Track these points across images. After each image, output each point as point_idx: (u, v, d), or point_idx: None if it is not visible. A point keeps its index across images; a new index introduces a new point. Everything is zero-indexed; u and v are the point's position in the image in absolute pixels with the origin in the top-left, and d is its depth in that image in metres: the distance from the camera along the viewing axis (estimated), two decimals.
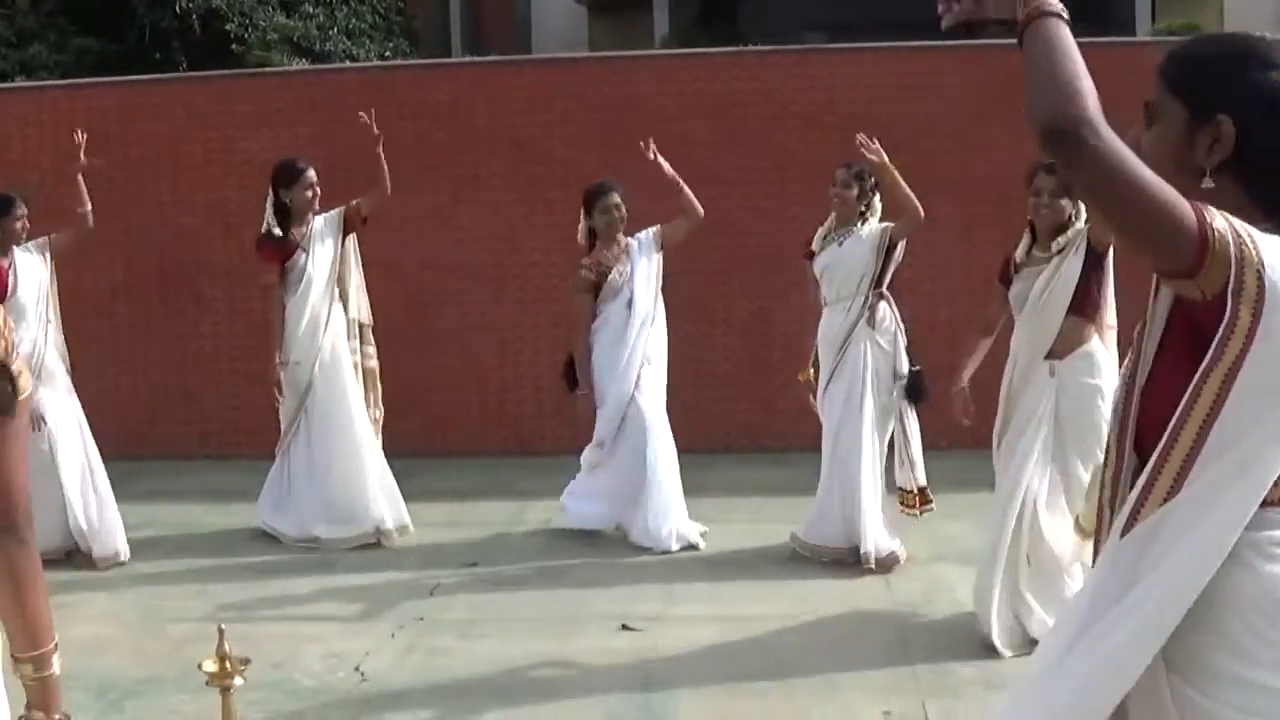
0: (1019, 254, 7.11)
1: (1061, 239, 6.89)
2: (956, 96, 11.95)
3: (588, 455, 9.25)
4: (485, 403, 12.27)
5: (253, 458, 10.80)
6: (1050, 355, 6.91)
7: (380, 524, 9.16)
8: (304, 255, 9.17)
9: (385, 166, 9.32)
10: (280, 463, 9.35)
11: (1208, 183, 2.54)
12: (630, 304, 9.07)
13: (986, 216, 10.73)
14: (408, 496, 9.35)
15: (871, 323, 8.43)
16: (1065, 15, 2.48)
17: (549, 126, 12.20)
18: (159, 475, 11.30)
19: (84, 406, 8.98)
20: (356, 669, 6.72)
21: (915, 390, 8.45)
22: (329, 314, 9.23)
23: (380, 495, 9.24)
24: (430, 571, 8.53)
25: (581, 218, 9.25)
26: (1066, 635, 2.58)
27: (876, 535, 8.33)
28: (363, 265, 9.69)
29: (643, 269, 9.13)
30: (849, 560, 8.33)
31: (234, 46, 20.30)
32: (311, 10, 22.42)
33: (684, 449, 9.35)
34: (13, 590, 2.81)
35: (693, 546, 8.93)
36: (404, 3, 26.04)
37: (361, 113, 9.34)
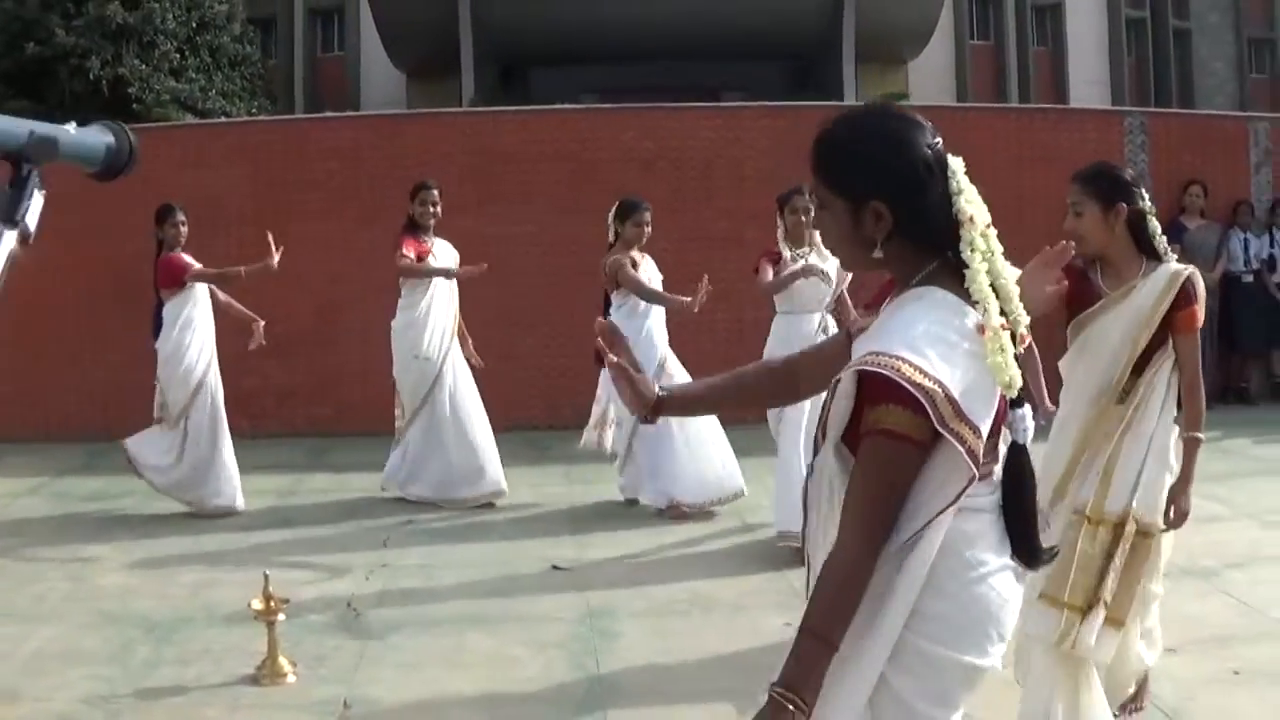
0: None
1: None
2: (761, 145, 12.15)
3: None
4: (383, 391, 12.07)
5: None
6: None
7: (498, 486, 8.93)
8: (433, 259, 8.90)
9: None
10: (404, 443, 9.04)
11: (878, 253, 2.49)
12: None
13: None
14: (340, 468, 9.20)
15: (825, 330, 7.77)
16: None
17: (431, 166, 12.08)
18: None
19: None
20: (349, 606, 6.59)
21: None
22: (450, 321, 9.01)
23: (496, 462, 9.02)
24: (377, 526, 8.39)
25: (611, 221, 8.86)
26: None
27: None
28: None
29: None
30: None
31: (134, 106, 20.21)
32: (194, 76, 22.62)
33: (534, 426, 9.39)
34: None
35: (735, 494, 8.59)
36: (264, 70, 26.08)
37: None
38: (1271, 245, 12.85)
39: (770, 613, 6.38)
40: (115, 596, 6.80)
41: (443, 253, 9.01)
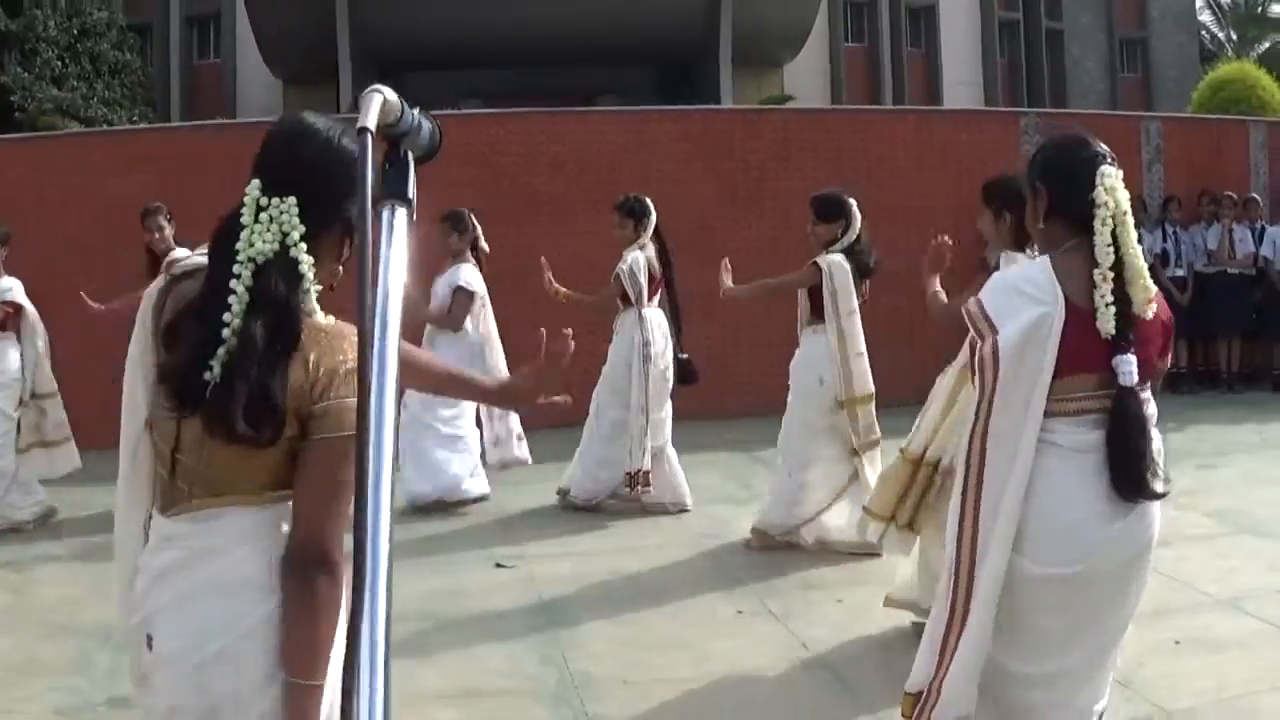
0: None
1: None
2: (667, 148, 12.32)
3: None
4: None
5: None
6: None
7: None
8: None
9: None
10: None
11: (1040, 224, 3.44)
12: None
13: (687, 240, 10.87)
14: None
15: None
16: None
17: None
18: None
19: None
20: None
21: (683, 376, 8.64)
22: None
23: None
24: None
25: None
26: None
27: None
28: None
29: (440, 289, 9.01)
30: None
31: (17, 114, 19.97)
32: (76, 84, 22.24)
33: None
34: (306, 621, 2.41)
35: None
36: (145, 77, 25.77)
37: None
38: (1164, 240, 13.35)
39: (718, 600, 6.58)
40: (61, 607, 6.72)
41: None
